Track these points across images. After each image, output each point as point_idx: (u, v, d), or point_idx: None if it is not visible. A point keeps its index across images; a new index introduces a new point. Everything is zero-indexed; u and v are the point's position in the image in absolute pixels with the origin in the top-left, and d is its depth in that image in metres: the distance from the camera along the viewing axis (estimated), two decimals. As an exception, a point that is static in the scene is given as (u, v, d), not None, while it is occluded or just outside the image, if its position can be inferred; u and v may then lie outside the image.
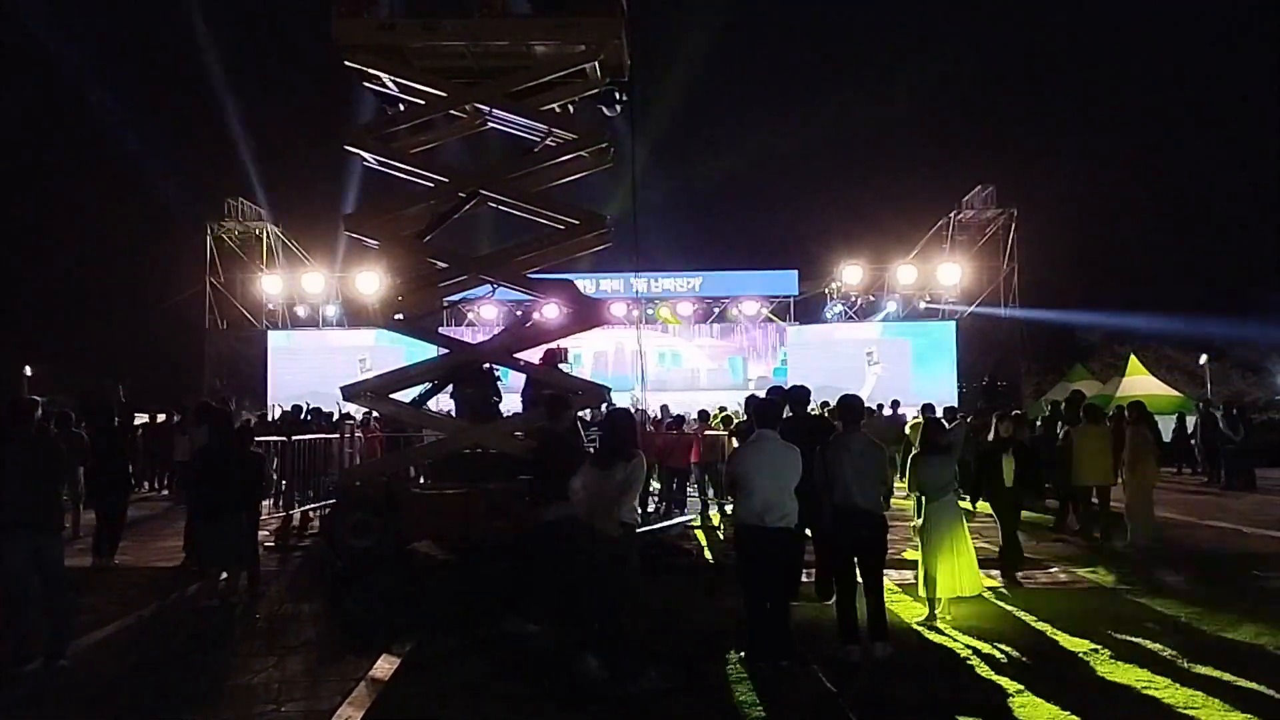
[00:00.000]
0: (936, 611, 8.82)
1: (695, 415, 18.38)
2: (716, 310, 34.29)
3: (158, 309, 35.39)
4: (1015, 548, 10.91)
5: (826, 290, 34.92)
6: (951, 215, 33.77)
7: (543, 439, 9.00)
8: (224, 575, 10.09)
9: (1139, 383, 26.79)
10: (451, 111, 13.29)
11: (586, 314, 13.69)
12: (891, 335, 33.37)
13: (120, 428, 13.32)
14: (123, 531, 12.50)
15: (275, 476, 13.40)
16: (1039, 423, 18.48)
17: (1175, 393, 27.58)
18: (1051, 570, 11.22)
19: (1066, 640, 8.13)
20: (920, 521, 8.98)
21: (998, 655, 7.70)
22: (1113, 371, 29.65)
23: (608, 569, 7.22)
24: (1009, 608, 9.36)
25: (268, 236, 33.87)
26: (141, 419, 21.00)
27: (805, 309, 34.99)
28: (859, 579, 7.83)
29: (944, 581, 8.78)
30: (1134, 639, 8.12)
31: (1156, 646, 7.89)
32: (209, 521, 10.03)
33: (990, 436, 12.09)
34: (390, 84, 12.87)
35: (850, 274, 33.51)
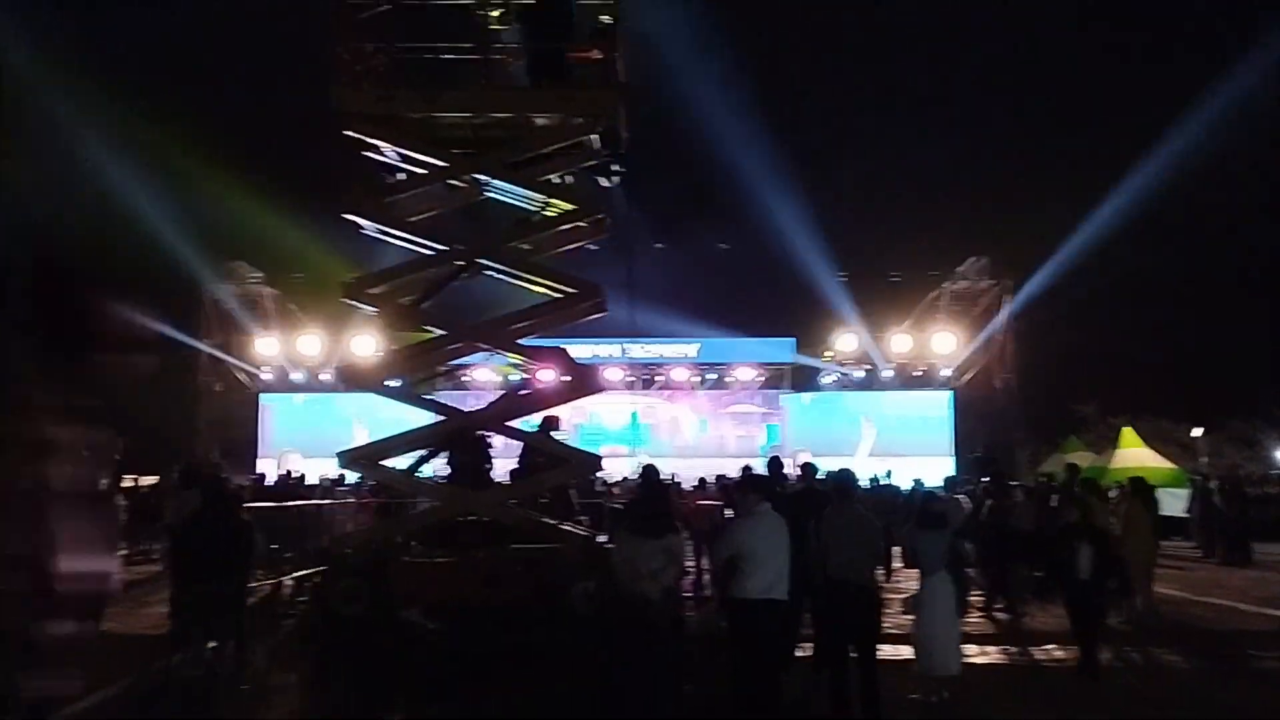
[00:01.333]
0: (932, 690, 8.71)
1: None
2: (712, 378, 34.35)
3: (151, 369, 35.25)
4: (1094, 658, 9.90)
5: (823, 358, 35.02)
6: (945, 285, 33.98)
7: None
8: (211, 644, 9.96)
9: (1133, 455, 26.72)
10: (450, 180, 13.40)
11: (581, 381, 13.70)
12: (886, 404, 33.40)
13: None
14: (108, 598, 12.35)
15: (263, 543, 13.28)
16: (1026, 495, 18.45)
17: (1170, 465, 27.52)
18: (1047, 647, 11.13)
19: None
20: (915, 596, 8.89)
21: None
22: (1107, 443, 29.57)
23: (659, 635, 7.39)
24: (999, 686, 9.27)
25: (265, 299, 33.97)
26: (128, 481, 20.86)
27: (801, 376, 35.06)
28: (851, 653, 7.77)
29: (937, 660, 8.65)
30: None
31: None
32: (196, 587, 9.92)
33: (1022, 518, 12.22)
34: (389, 153, 12.99)
35: (845, 341, 33.63)
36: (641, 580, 7.36)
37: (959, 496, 10.62)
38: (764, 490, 7.85)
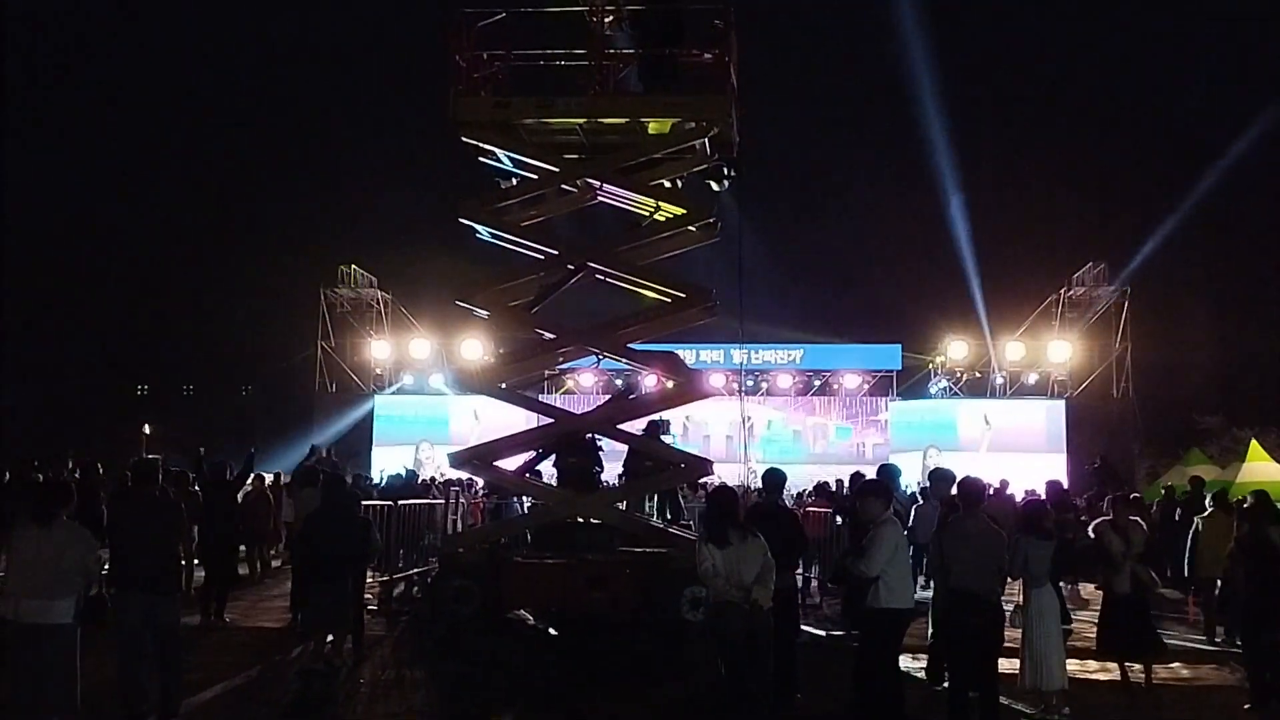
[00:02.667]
0: (1049, 706, 8.46)
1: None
2: (818, 383, 34.00)
3: (270, 371, 36.49)
4: (1264, 689, 8.85)
5: (931, 365, 34.39)
6: (1062, 292, 33.08)
7: (764, 511, 8.98)
8: (329, 639, 10.20)
9: (1260, 469, 25.62)
10: (562, 185, 13.55)
11: (689, 385, 13.72)
12: (998, 412, 32.63)
13: (234, 486, 13.63)
14: (232, 590, 12.78)
15: (379, 541, 13.56)
16: (1153, 508, 17.82)
17: (1300, 480, 26.32)
18: (1172, 666, 10.71)
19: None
20: (1021, 607, 8.65)
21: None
22: (1232, 456, 28.40)
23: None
24: (1117, 703, 8.98)
25: (378, 303, 34.72)
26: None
27: (908, 384, 34.50)
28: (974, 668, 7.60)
29: (1044, 673, 8.39)
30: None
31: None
32: (316, 584, 10.16)
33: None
34: (504, 159, 13.19)
35: (956, 349, 32.93)
36: (742, 588, 7.30)
37: (1135, 519, 10.23)
38: (887, 497, 7.73)
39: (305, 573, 10.72)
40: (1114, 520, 10.00)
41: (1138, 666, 9.73)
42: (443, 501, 15.79)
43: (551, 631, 11.56)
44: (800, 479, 21.51)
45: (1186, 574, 13.42)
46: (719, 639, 7.54)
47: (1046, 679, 8.35)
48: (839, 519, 13.94)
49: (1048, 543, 8.57)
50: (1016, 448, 31.00)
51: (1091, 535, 10.10)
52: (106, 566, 7.74)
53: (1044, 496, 13.85)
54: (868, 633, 7.71)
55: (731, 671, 7.41)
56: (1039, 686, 8.40)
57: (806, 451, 32.87)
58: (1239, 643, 10.09)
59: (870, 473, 11.18)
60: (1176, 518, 16.99)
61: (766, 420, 33.11)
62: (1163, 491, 19.72)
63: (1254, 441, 26.68)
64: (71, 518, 7.70)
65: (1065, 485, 15.69)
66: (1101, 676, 9.90)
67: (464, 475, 17.06)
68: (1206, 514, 13.27)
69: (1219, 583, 12.50)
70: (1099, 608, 10.31)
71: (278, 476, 22.37)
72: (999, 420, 32.20)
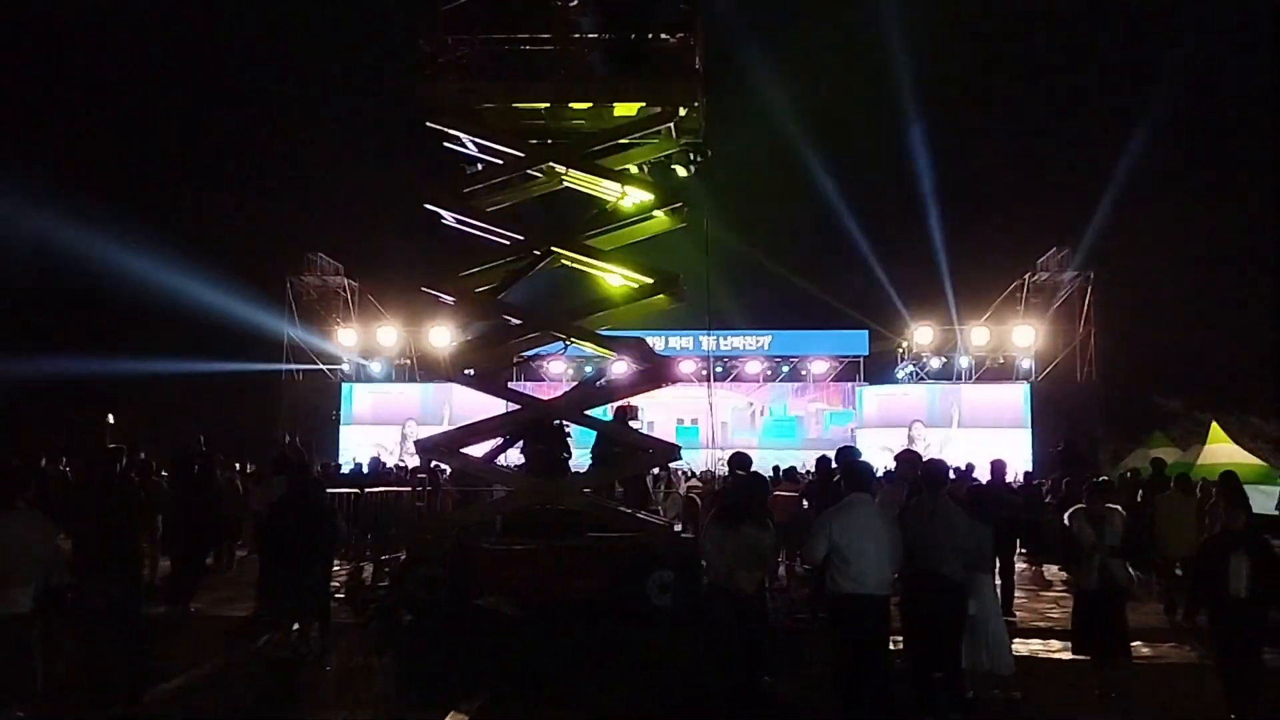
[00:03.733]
0: (1004, 686, 8.51)
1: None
2: (786, 369, 34.13)
3: (236, 359, 36.16)
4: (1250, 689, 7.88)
5: (898, 350, 34.61)
6: (1026, 277, 33.35)
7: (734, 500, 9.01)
8: (295, 626, 10.16)
9: (1221, 451, 25.99)
10: (528, 171, 13.51)
11: (658, 371, 13.72)
12: (963, 397, 32.91)
13: (201, 476, 13.51)
14: (200, 580, 12.69)
15: (346, 529, 13.53)
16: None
17: (1260, 462, 26.69)
18: (1132, 644, 10.83)
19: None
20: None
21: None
22: (1194, 439, 28.76)
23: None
24: (1071, 682, 9.09)
25: (345, 290, 34.50)
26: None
27: (876, 369, 34.69)
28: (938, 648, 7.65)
29: (992, 657, 8.39)
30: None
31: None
32: (283, 572, 10.11)
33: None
34: (469, 144, 13.12)
35: (922, 334, 33.17)
36: (738, 573, 7.40)
37: (1113, 507, 9.17)
38: (857, 480, 7.74)
39: (272, 560, 10.66)
40: (1088, 508, 8.89)
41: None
42: (408, 490, 15.72)
43: (519, 617, 11.54)
44: (767, 464, 21.57)
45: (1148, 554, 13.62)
46: (706, 622, 7.61)
47: (997, 663, 8.33)
48: (804, 502, 14.01)
49: (986, 526, 8.56)
50: (983, 430, 31.39)
51: (1067, 523, 9.00)
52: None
53: (990, 477, 13.99)
54: (830, 620, 7.77)
55: (718, 655, 7.47)
56: (979, 669, 8.26)
57: (804, 436, 33.09)
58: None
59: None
60: (1139, 499, 17.20)
61: (767, 406, 33.34)
62: (1128, 475, 19.94)
63: (1214, 424, 27.06)
64: (30, 505, 7.61)
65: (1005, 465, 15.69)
66: (1064, 656, 9.98)
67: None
68: (1166, 494, 13.46)
69: (1178, 562, 12.73)
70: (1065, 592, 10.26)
71: (244, 465, 22.22)
72: (962, 408, 32.55)
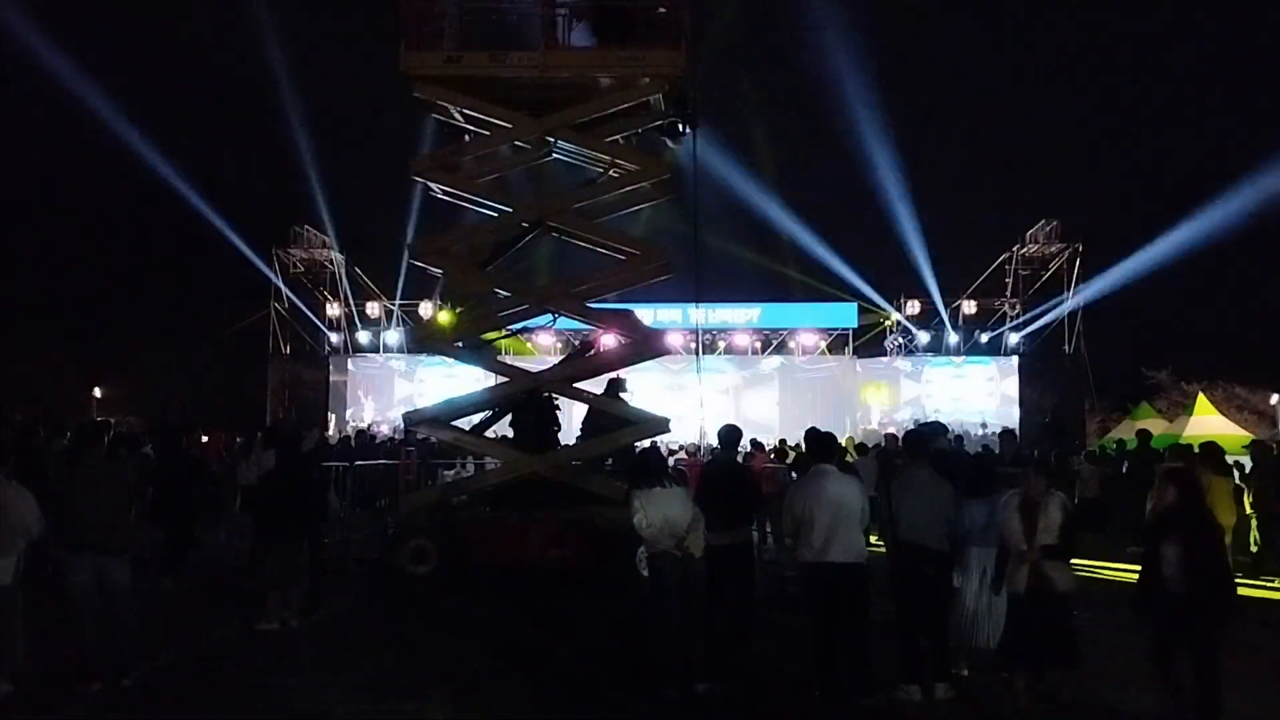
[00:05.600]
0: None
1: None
2: (775, 342, 34.14)
3: (223, 334, 36.04)
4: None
5: (886, 323, 34.63)
6: (1015, 249, 33.39)
7: (720, 467, 9.02)
8: (285, 599, 10.15)
9: (1208, 422, 26.14)
10: (516, 142, 13.43)
11: (646, 344, 13.72)
12: (951, 370, 33.01)
13: (187, 448, 13.45)
14: (188, 553, 12.66)
15: (337, 502, 13.50)
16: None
17: (1246, 433, 26.87)
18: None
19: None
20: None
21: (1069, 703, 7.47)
22: (1180, 410, 28.94)
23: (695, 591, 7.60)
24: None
25: (332, 263, 34.33)
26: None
27: (865, 341, 34.71)
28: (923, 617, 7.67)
29: (980, 633, 8.24)
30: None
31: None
32: (274, 544, 10.10)
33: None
34: (457, 115, 13.04)
35: (910, 307, 33.22)
36: (674, 536, 7.50)
37: (1055, 492, 8.03)
38: (825, 451, 7.81)
39: (263, 533, 10.61)
40: (1024, 492, 7.26)
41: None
42: (398, 463, 15.72)
43: (501, 587, 11.57)
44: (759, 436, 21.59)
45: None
46: (655, 590, 7.67)
47: (983, 638, 8.18)
48: (793, 475, 14.04)
49: (986, 500, 8.39)
50: (969, 404, 31.55)
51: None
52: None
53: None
54: (802, 589, 7.85)
55: (668, 623, 7.52)
56: (973, 644, 8.02)
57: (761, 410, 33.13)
58: None
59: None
60: (1124, 470, 17.34)
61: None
62: (1112, 448, 20.03)
63: (1201, 395, 27.22)
64: (10, 477, 7.58)
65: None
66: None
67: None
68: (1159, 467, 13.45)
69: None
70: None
71: (233, 438, 22.17)
72: (950, 379, 32.69)
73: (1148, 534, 6.97)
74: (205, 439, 21.87)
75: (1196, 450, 13.67)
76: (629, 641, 9.08)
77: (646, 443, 12.03)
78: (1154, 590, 6.58)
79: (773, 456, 17.65)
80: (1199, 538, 6.57)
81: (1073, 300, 32.97)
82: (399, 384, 32.80)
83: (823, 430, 8.91)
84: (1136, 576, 6.91)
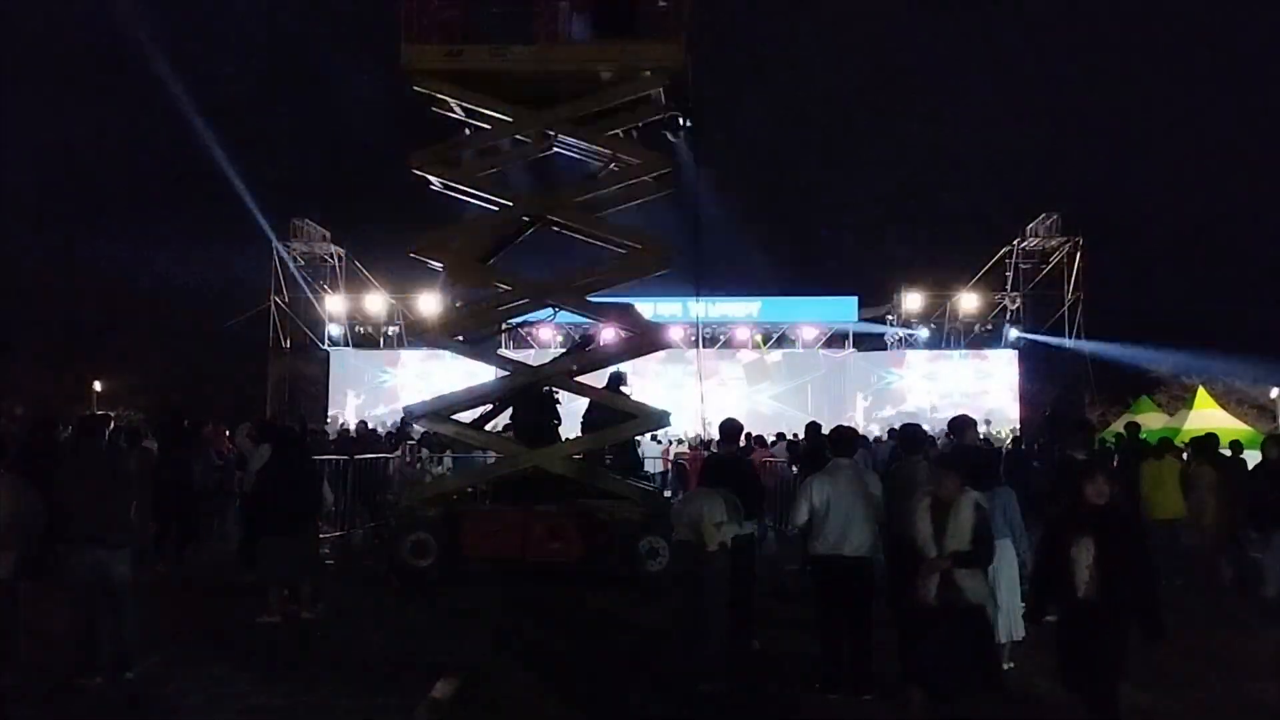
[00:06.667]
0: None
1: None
2: (776, 335, 34.15)
3: (223, 327, 36.07)
4: None
5: (887, 317, 34.64)
6: (1015, 243, 33.40)
7: (722, 460, 9.02)
8: (286, 592, 10.16)
9: (1207, 416, 26.14)
10: (517, 136, 13.41)
11: (647, 338, 13.71)
12: (951, 363, 33.01)
13: (188, 441, 13.41)
14: (189, 545, 12.67)
15: (330, 495, 13.48)
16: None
17: (1245, 426, 26.85)
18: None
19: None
20: None
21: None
22: (1180, 404, 28.94)
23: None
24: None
25: (332, 257, 34.34)
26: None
27: (865, 335, 34.72)
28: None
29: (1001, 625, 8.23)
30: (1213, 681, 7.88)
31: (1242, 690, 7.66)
32: (275, 537, 10.09)
33: None
34: (457, 108, 13.02)
35: (911, 300, 33.23)
36: (702, 531, 7.49)
37: (967, 491, 7.60)
38: (843, 445, 7.81)
39: (264, 526, 10.54)
40: (935, 491, 6.47)
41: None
42: (396, 456, 15.72)
43: (503, 581, 11.59)
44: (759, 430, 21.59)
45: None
46: (673, 579, 7.70)
47: (1005, 630, 8.15)
48: (793, 469, 14.07)
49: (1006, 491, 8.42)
50: (970, 398, 31.53)
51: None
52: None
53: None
54: (812, 581, 7.88)
55: (681, 613, 7.54)
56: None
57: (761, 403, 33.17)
58: None
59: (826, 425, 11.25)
60: (1115, 464, 17.29)
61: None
62: (1114, 440, 20.00)
63: (1201, 389, 27.21)
64: (10, 470, 7.58)
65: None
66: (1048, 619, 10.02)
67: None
68: (1155, 461, 13.45)
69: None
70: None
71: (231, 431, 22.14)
72: (951, 373, 32.66)
73: (1055, 531, 6.14)
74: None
75: (1188, 441, 13.60)
76: (630, 635, 9.13)
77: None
78: (1061, 596, 5.88)
79: (787, 448, 17.66)
80: (1118, 538, 5.82)
81: (1073, 294, 33.00)
82: (399, 376, 32.83)
83: (845, 425, 8.94)
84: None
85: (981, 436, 14.23)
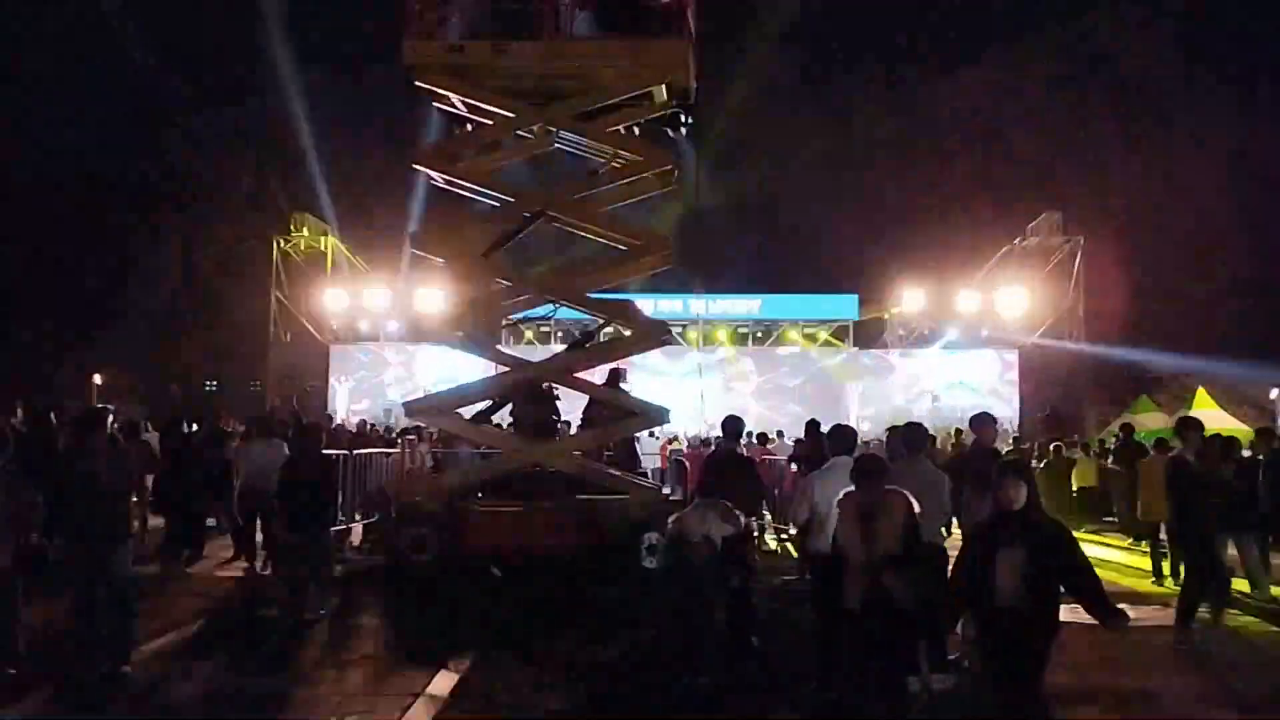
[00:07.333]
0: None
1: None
2: (775, 333, 34.15)
3: (223, 321, 36.10)
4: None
5: (887, 315, 34.64)
6: (1016, 242, 33.40)
7: (723, 458, 9.02)
8: (287, 587, 10.17)
9: (1207, 416, 26.17)
10: (518, 132, 13.41)
11: (647, 334, 13.72)
12: (951, 363, 33.00)
13: (193, 436, 13.38)
14: (199, 540, 12.65)
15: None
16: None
17: (1245, 426, 26.86)
18: (1119, 606, 10.89)
19: (1131, 681, 7.92)
20: None
21: (1061, 693, 7.51)
22: (1180, 404, 28.96)
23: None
24: (1068, 644, 9.13)
25: (332, 251, 34.33)
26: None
27: (865, 334, 34.73)
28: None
29: None
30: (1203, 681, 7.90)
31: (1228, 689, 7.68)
32: (293, 534, 10.03)
33: None
34: (458, 104, 13.02)
35: (911, 299, 33.19)
36: (695, 532, 7.50)
37: (894, 490, 7.50)
38: (845, 444, 7.80)
39: (283, 522, 10.39)
40: (859, 492, 6.40)
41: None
42: (397, 451, 15.72)
43: (502, 576, 11.59)
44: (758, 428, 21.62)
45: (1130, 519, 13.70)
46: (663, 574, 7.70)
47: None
48: (793, 466, 14.08)
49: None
50: (969, 397, 31.54)
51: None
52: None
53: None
54: (811, 580, 7.89)
55: (675, 612, 7.55)
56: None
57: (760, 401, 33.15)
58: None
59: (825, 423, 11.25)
60: (1110, 463, 17.39)
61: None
62: (1115, 440, 20.02)
63: (1201, 389, 27.22)
64: (8, 465, 7.59)
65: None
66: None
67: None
68: (1148, 459, 13.50)
69: (1160, 526, 12.71)
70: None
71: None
72: (949, 372, 32.68)
73: (976, 539, 5.88)
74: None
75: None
76: (628, 630, 9.14)
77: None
78: (981, 602, 5.61)
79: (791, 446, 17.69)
80: (1040, 542, 5.58)
81: (1073, 292, 33.02)
82: (398, 372, 32.83)
83: (845, 424, 8.93)
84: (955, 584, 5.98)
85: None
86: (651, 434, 18.61)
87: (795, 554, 12.28)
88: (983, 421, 9.06)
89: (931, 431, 14.23)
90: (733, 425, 9.33)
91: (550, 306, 14.23)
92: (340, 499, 11.54)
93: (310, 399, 30.59)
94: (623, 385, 14.00)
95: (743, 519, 7.84)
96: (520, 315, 15.34)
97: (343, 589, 11.14)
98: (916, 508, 6.35)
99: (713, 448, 13.82)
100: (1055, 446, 17.52)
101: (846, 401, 32.18)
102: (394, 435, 18.40)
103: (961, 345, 33.35)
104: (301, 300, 34.45)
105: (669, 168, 13.33)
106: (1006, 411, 31.12)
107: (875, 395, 32.48)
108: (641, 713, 6.97)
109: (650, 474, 17.76)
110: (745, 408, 30.21)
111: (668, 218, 15.61)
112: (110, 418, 12.61)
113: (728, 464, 8.66)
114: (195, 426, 17.00)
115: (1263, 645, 9.32)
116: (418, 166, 13.01)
